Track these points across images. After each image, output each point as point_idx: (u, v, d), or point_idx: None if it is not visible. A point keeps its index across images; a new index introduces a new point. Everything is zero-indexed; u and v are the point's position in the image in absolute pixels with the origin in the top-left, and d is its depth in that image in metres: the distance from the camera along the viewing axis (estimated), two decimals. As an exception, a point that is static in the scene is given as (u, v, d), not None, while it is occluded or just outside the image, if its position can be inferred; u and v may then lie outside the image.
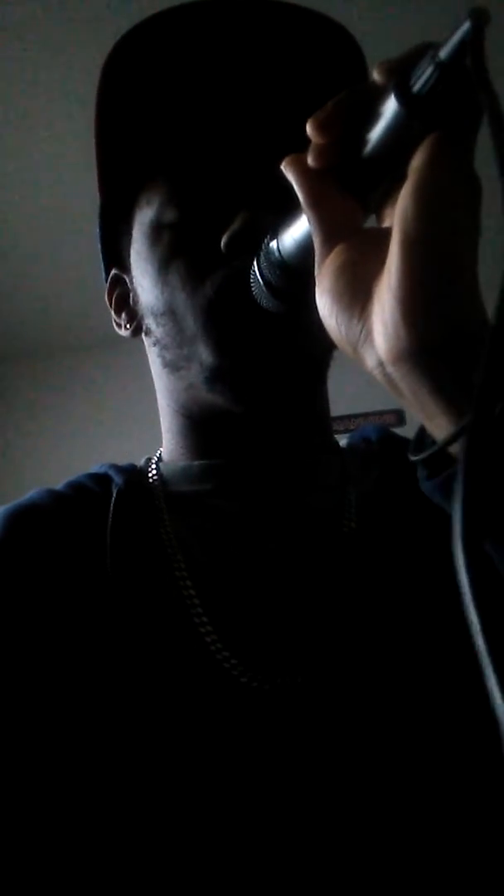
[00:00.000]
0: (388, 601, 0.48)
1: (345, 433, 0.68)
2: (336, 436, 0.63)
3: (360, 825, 0.42)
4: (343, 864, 0.41)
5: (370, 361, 0.34)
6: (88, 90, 0.56)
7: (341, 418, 2.50)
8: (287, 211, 0.39)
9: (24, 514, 0.55)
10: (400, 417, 2.64)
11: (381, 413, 2.65)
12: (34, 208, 2.27)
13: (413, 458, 0.35)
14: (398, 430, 0.64)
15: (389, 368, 0.33)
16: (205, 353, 0.53)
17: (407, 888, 0.41)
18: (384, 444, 0.62)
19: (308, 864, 0.41)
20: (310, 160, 0.35)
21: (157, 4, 0.52)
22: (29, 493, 0.58)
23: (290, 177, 0.36)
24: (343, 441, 0.65)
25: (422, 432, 0.36)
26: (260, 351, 0.51)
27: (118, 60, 0.54)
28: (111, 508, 0.54)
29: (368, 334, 0.33)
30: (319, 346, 0.53)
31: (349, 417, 2.55)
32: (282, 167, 0.36)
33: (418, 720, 0.44)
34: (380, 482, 0.57)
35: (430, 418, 0.33)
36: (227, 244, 0.50)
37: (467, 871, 0.42)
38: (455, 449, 0.32)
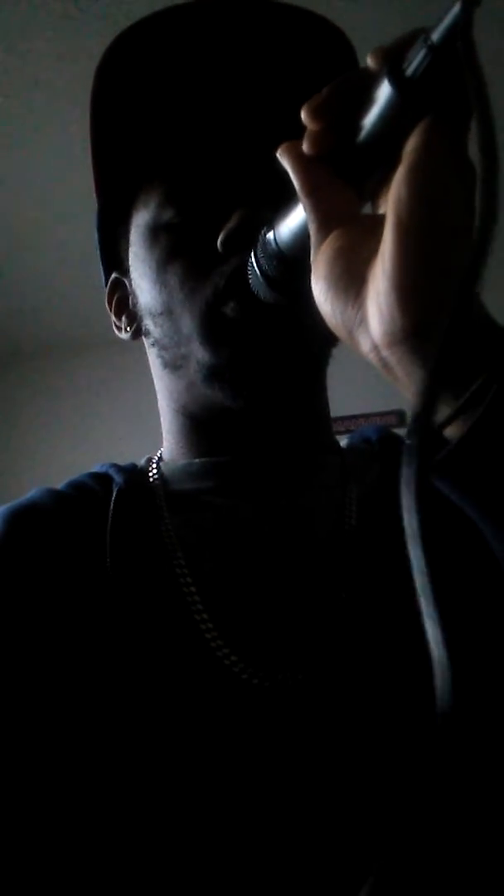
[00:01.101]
0: (388, 599, 0.48)
1: (346, 434, 0.68)
2: (337, 436, 0.63)
3: (361, 823, 0.42)
4: (343, 860, 0.41)
5: (365, 345, 0.34)
6: (88, 91, 0.56)
7: (342, 419, 2.50)
8: (283, 206, 0.40)
9: (25, 514, 0.55)
10: (401, 418, 2.64)
11: (381, 414, 2.65)
12: (34, 209, 2.28)
13: (409, 441, 0.35)
14: (398, 431, 0.64)
15: (385, 352, 0.33)
16: (200, 352, 0.53)
17: (407, 884, 0.41)
18: (384, 443, 0.62)
19: (308, 861, 0.42)
20: (305, 147, 0.35)
21: (157, 5, 0.52)
22: (29, 492, 0.58)
23: (286, 164, 0.36)
24: (343, 441, 0.65)
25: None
26: (258, 345, 0.51)
27: (112, 63, 0.54)
28: (111, 507, 0.54)
29: (363, 318, 0.33)
30: (318, 340, 0.53)
31: (350, 418, 2.55)
32: (277, 154, 0.37)
33: (419, 717, 0.44)
34: (380, 480, 0.57)
35: None
36: (223, 243, 0.50)
37: (469, 868, 0.42)
38: (451, 432, 0.32)
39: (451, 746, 0.23)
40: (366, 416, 2.55)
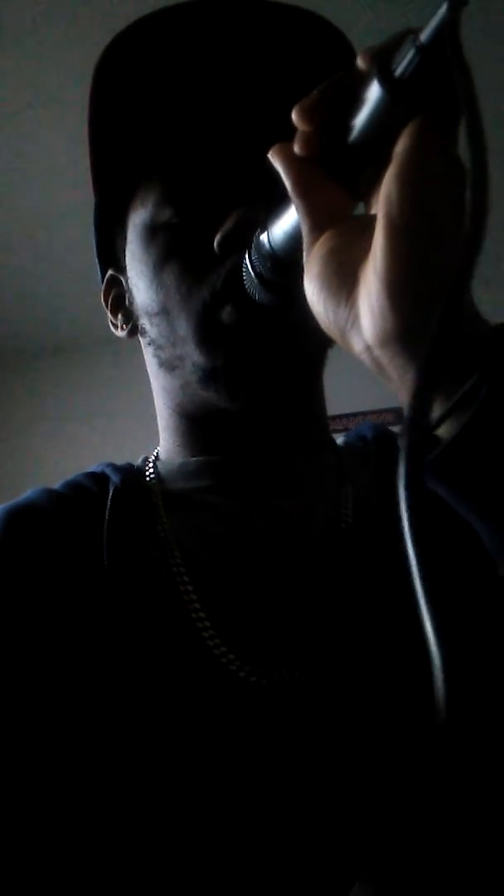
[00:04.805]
0: (383, 597, 0.49)
1: (343, 432, 0.68)
2: (334, 434, 0.63)
3: (357, 820, 0.42)
4: (341, 857, 0.42)
5: (358, 345, 0.34)
6: (86, 90, 0.56)
7: (339, 417, 2.51)
8: (276, 207, 0.40)
9: (22, 514, 0.55)
10: (398, 416, 2.64)
11: (379, 412, 2.65)
12: (34, 209, 2.27)
13: (402, 440, 0.36)
14: (395, 429, 0.64)
15: (377, 352, 0.33)
16: (196, 355, 0.53)
17: (404, 880, 0.41)
18: (380, 441, 0.62)
19: (306, 858, 0.42)
20: (296, 148, 0.35)
21: (153, 6, 0.52)
22: (26, 492, 0.58)
23: (278, 165, 0.36)
24: (339, 440, 0.65)
25: None
26: (254, 348, 0.51)
27: (111, 60, 0.54)
28: (108, 507, 0.54)
29: (355, 318, 0.34)
30: (314, 342, 0.53)
31: (347, 416, 2.55)
32: (269, 156, 0.37)
33: (414, 714, 0.44)
34: (376, 479, 0.57)
35: None
36: (220, 244, 0.50)
37: (464, 865, 0.42)
38: (443, 431, 0.33)
39: (447, 750, 0.23)
40: (362, 414, 2.55)
